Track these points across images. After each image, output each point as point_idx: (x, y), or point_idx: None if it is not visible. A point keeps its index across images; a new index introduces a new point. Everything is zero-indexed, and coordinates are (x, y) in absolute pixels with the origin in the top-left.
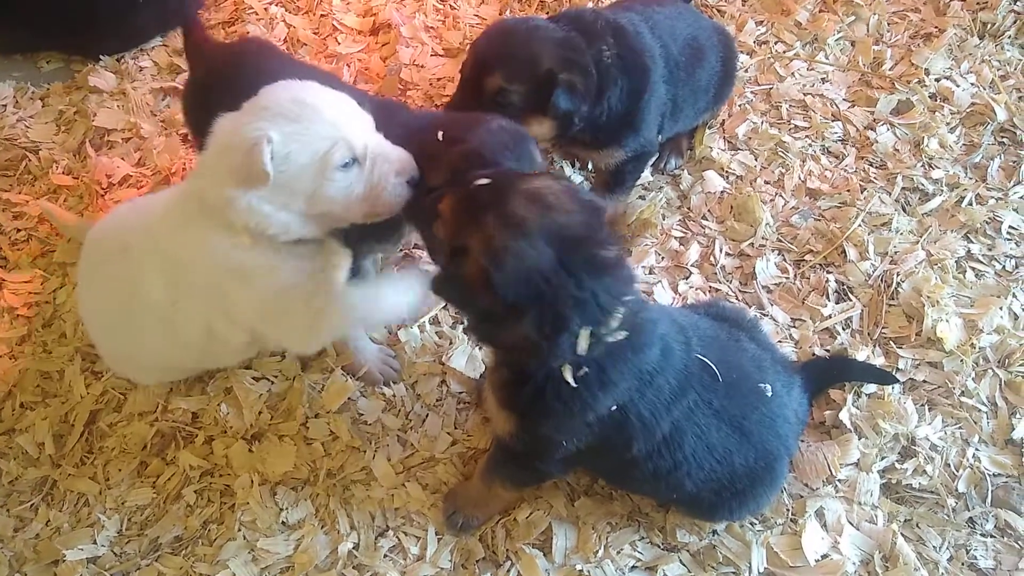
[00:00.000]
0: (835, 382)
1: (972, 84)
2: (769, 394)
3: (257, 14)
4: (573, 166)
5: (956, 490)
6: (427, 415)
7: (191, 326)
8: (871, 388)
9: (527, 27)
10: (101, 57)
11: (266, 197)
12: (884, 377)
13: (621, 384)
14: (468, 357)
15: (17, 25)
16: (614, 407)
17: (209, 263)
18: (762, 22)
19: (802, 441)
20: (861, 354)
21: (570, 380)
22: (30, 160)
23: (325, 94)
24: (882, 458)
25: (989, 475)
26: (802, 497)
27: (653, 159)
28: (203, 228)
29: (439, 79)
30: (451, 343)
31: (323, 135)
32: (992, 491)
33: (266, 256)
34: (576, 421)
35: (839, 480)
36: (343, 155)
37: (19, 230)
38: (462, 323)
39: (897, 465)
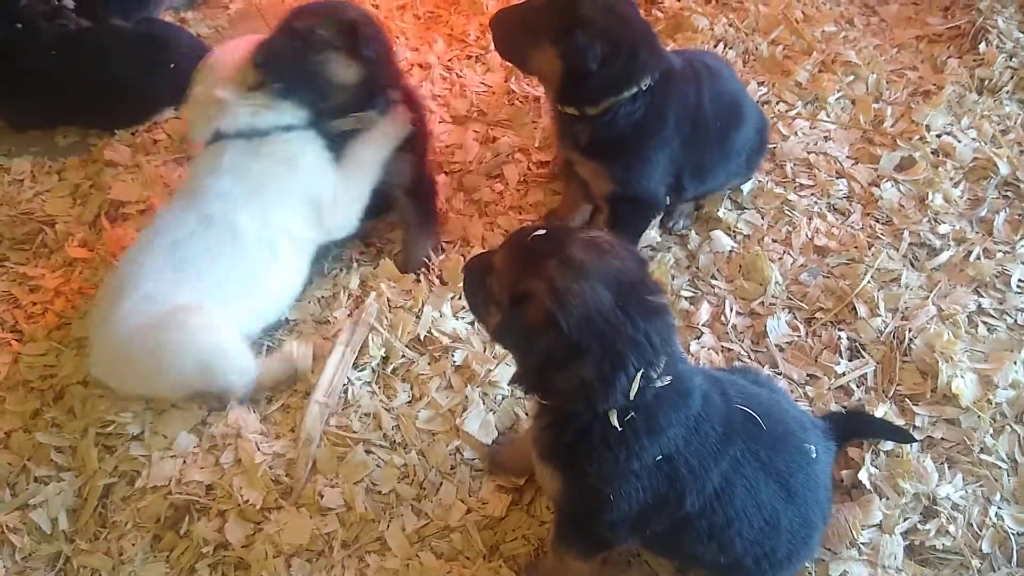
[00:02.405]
0: (852, 438)
1: (973, 139)
2: (813, 455)
3: None
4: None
5: (980, 550)
6: (441, 483)
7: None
8: (889, 446)
9: None
10: (116, 131)
11: None
12: (902, 435)
13: (668, 430)
14: (482, 422)
15: (33, 104)
16: (660, 456)
17: None
18: (763, 82)
19: None
20: (878, 412)
21: (615, 423)
22: (46, 233)
23: None
24: (904, 519)
25: (1013, 534)
26: (825, 561)
27: (659, 217)
28: None
29: (447, 146)
30: (464, 408)
31: None
32: (1017, 551)
33: None
34: (621, 469)
35: (862, 543)
36: None
37: (35, 303)
38: (486, 383)
39: (919, 526)
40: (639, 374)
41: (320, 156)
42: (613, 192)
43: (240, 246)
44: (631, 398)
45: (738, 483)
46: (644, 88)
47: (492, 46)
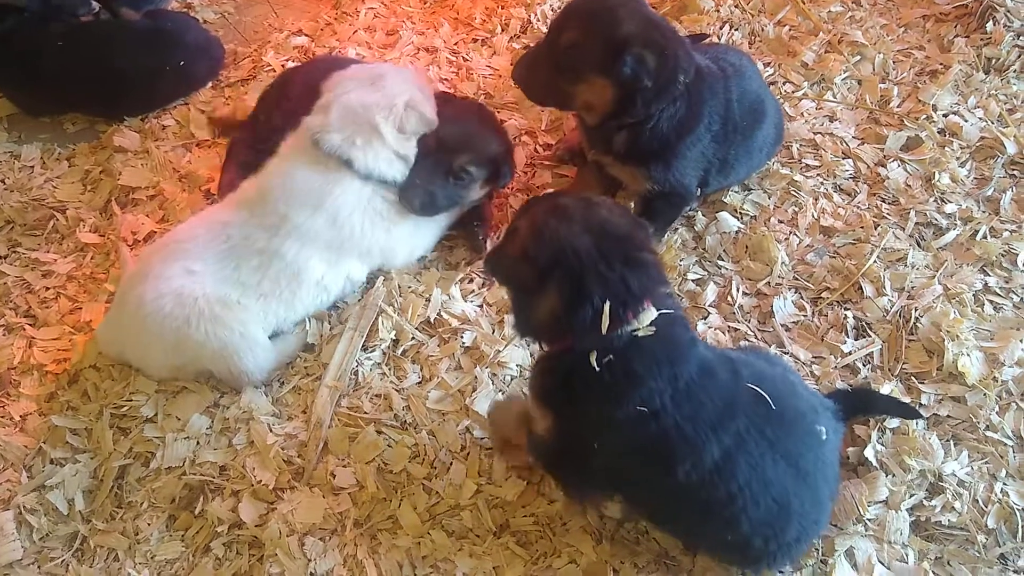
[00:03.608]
0: (858, 415)
1: (980, 119)
2: (824, 437)
3: (275, 71)
4: None
5: (986, 526)
6: (451, 462)
7: None
8: (895, 423)
9: (628, 1)
10: (125, 117)
11: None
12: (908, 411)
13: (648, 380)
14: (491, 402)
15: (44, 89)
16: (642, 407)
17: None
18: (769, 63)
19: None
20: (884, 390)
21: (593, 364)
22: (57, 219)
23: None
24: (910, 495)
25: (1018, 510)
26: (831, 537)
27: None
28: None
29: None
30: (474, 388)
31: None
32: (1022, 526)
33: None
34: (603, 415)
35: (868, 519)
36: None
37: (48, 288)
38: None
39: (925, 502)
40: (606, 307)
41: (418, 220)
42: (651, 190)
43: (298, 283)
44: (603, 334)
45: (742, 460)
46: (682, 87)
47: (498, 30)
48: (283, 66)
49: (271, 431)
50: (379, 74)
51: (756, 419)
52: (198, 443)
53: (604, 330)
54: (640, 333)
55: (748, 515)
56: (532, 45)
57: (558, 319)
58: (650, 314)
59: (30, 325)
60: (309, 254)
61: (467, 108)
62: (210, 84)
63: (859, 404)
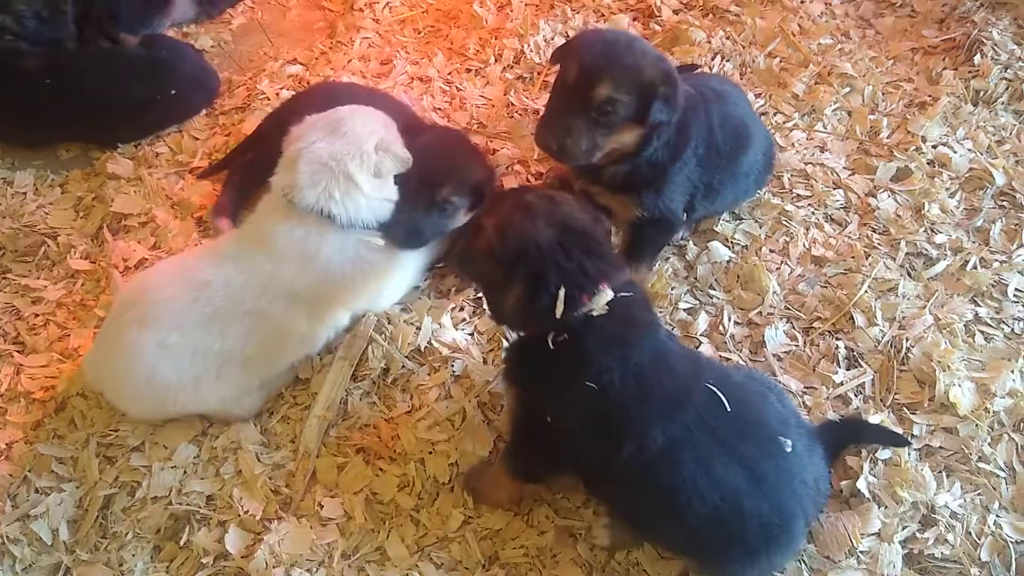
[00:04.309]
0: (848, 444)
1: (969, 150)
2: (788, 449)
3: (269, 99)
4: None
5: (979, 559)
6: (439, 493)
7: None
8: (887, 454)
9: (627, 39)
10: (119, 144)
11: None
12: (896, 440)
13: (597, 357)
14: (481, 432)
15: (36, 121)
16: (591, 383)
17: None
18: (760, 94)
19: (822, 511)
20: (875, 420)
21: (549, 343)
22: (49, 246)
23: None
24: (903, 527)
25: (1012, 542)
26: (823, 571)
27: (677, 235)
28: None
29: None
30: (463, 418)
31: None
32: (1016, 559)
33: None
34: (554, 389)
35: (861, 551)
36: None
37: (37, 315)
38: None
39: (918, 534)
40: (561, 292)
41: (404, 257)
42: (640, 217)
43: (285, 341)
44: (558, 317)
45: (687, 452)
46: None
47: (492, 60)
48: (277, 95)
49: (259, 460)
50: (339, 119)
51: (708, 416)
52: (185, 472)
53: (559, 313)
54: (594, 312)
55: (694, 510)
56: (547, 110)
57: (524, 308)
58: (605, 296)
59: (18, 352)
60: (298, 311)
61: (444, 136)
62: (204, 112)
63: (848, 434)
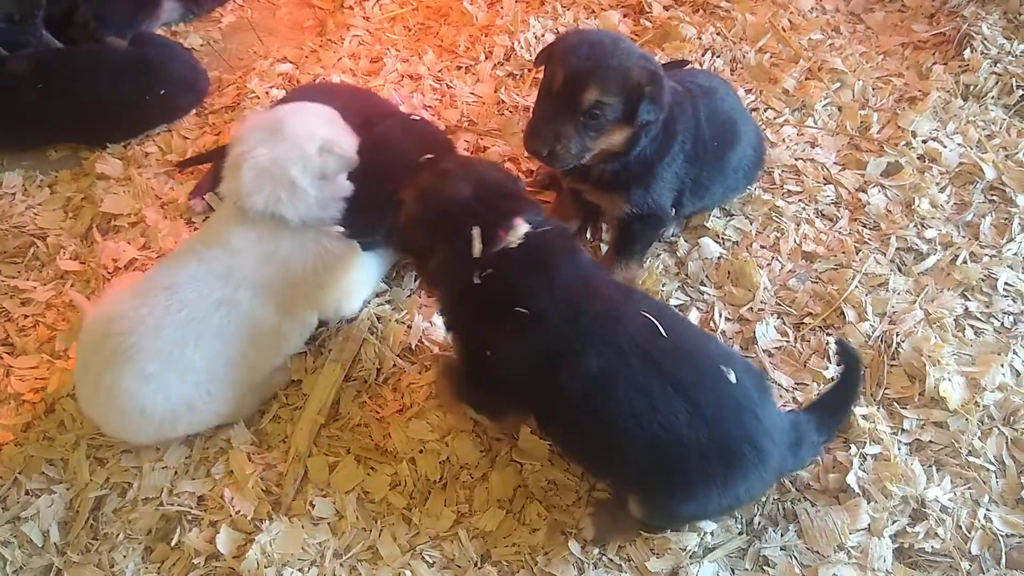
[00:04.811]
0: (840, 413)
1: (959, 144)
2: (732, 379)
3: (259, 98)
4: (586, 233)
5: (969, 552)
6: (430, 492)
7: None
8: (876, 449)
9: (611, 40)
10: (108, 145)
11: None
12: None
13: (522, 282)
14: (471, 429)
15: (25, 123)
16: (521, 308)
17: None
18: (751, 90)
19: (812, 506)
20: (865, 414)
21: (476, 279)
22: (38, 247)
23: None
24: (893, 522)
25: (1002, 536)
26: (813, 566)
27: (665, 231)
28: None
29: None
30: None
31: None
32: (1006, 552)
33: None
34: (489, 322)
35: (850, 546)
36: None
37: (27, 316)
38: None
39: (908, 529)
40: (476, 231)
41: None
42: (629, 213)
43: (259, 333)
44: (477, 256)
45: (623, 378)
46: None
47: (482, 58)
48: (267, 93)
49: (250, 460)
50: (278, 120)
51: (644, 343)
52: (176, 473)
53: (477, 252)
54: (512, 245)
55: (632, 437)
56: (535, 116)
57: (449, 260)
58: (521, 228)
59: (8, 353)
60: (265, 301)
61: (402, 126)
62: (194, 111)
63: (837, 404)
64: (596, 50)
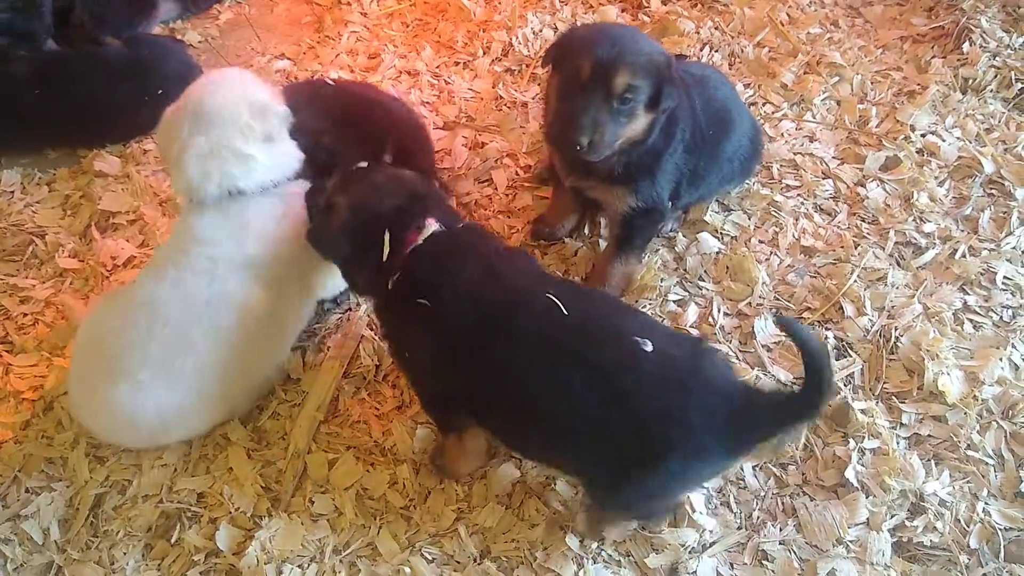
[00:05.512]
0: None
1: (958, 138)
2: (648, 348)
3: None
4: (583, 230)
5: (968, 546)
6: (430, 488)
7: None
8: (874, 444)
9: (627, 29)
10: (106, 144)
11: None
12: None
13: (423, 280)
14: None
15: (23, 126)
16: (424, 300)
17: None
18: (749, 84)
19: (810, 500)
20: (863, 408)
21: (388, 285)
22: (36, 245)
23: None
24: (891, 516)
25: (1000, 530)
26: (812, 560)
27: (664, 224)
28: None
29: (437, 152)
30: None
31: None
32: (1004, 546)
33: None
34: (402, 319)
35: (849, 541)
36: None
37: (26, 314)
38: None
39: (907, 523)
40: (386, 237)
41: None
42: (633, 208)
43: (253, 324)
44: (386, 260)
45: (530, 364)
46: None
47: (480, 53)
48: None
49: (249, 457)
50: (199, 103)
51: (546, 325)
52: (175, 470)
53: (385, 255)
54: (417, 243)
55: (552, 422)
56: (561, 111)
57: (369, 271)
58: (430, 228)
59: (7, 352)
60: (252, 284)
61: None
62: None
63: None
64: (619, 38)
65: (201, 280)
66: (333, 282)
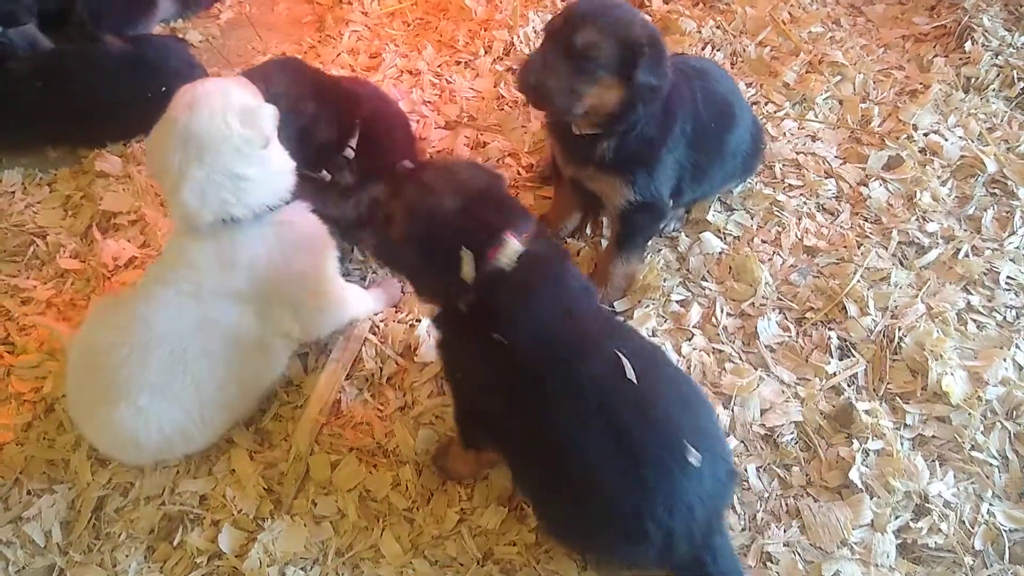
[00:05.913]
0: None
1: (960, 137)
2: (694, 462)
3: None
4: (585, 228)
5: (973, 547)
6: (433, 491)
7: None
8: (878, 445)
9: (625, 5)
10: (107, 143)
11: None
12: None
13: (505, 311)
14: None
15: (24, 125)
16: (501, 337)
17: None
18: (751, 84)
19: (815, 501)
20: (868, 409)
21: (462, 307)
22: (38, 245)
23: None
24: (896, 517)
25: (1005, 531)
26: (817, 562)
27: (666, 224)
28: None
29: (438, 151)
30: None
31: None
32: (1010, 547)
33: None
34: (462, 350)
35: (854, 542)
36: None
37: (27, 315)
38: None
39: (911, 524)
40: (466, 254)
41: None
42: (631, 202)
43: (243, 348)
44: (469, 281)
45: (573, 413)
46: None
47: (481, 52)
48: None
49: (252, 459)
50: (184, 127)
51: (606, 381)
52: (178, 472)
53: (468, 276)
54: (504, 268)
55: (564, 472)
56: (531, 54)
57: (442, 281)
58: (512, 246)
59: (8, 353)
60: (243, 309)
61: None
62: None
63: None
64: (603, 4)
65: (188, 302)
66: (328, 307)
